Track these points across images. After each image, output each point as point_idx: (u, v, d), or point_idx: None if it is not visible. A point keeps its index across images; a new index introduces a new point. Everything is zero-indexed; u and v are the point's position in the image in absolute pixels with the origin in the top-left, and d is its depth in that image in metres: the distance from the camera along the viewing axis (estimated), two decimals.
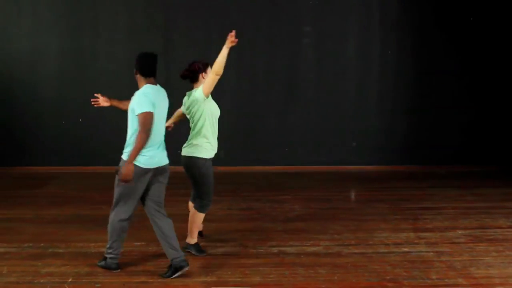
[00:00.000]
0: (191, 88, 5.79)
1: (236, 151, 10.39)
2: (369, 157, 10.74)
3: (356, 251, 5.98)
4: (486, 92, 10.77)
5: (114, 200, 5.24)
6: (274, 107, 10.60)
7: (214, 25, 10.34)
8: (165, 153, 5.32)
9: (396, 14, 10.64)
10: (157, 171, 5.21)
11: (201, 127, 5.68)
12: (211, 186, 5.74)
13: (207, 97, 5.61)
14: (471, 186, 9.21)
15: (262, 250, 5.98)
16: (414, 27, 10.63)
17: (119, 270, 5.31)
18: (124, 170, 4.94)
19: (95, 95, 5.80)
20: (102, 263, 5.38)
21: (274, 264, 5.57)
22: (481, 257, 5.81)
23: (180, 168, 5.78)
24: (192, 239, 5.86)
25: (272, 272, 5.36)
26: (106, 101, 5.80)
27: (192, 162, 5.66)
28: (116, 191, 5.20)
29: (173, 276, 5.19)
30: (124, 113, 5.34)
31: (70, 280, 5.13)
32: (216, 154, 5.92)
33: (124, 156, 5.11)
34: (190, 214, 5.87)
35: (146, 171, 5.11)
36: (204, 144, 5.67)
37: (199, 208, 5.79)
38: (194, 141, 5.69)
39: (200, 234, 6.31)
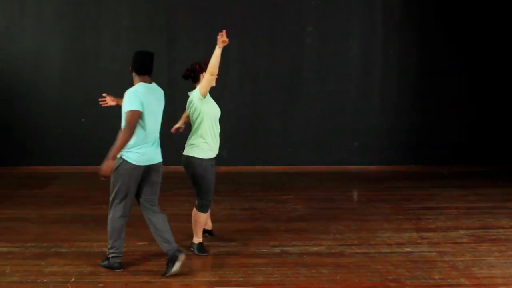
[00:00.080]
0: (193, 88, 5.80)
1: (238, 151, 10.40)
2: (371, 157, 10.74)
3: (358, 251, 5.98)
4: (489, 92, 10.76)
5: (110, 199, 5.29)
6: (276, 107, 10.60)
7: (216, 25, 10.22)
8: (158, 151, 5.36)
9: (399, 15, 10.63)
10: (150, 169, 5.27)
11: (198, 127, 5.70)
12: (209, 186, 5.73)
13: (204, 97, 5.62)
14: (474, 186, 9.21)
15: (264, 250, 5.99)
16: (417, 27, 10.62)
17: (121, 270, 5.32)
18: (104, 165, 4.97)
19: (103, 94, 5.85)
20: (105, 262, 5.39)
21: (277, 264, 5.58)
22: (484, 257, 5.81)
23: (182, 168, 5.80)
24: (197, 239, 5.87)
25: (275, 272, 5.36)
26: (113, 101, 5.86)
27: (189, 162, 5.69)
28: (111, 190, 5.26)
29: (173, 270, 5.18)
30: None
31: (73, 279, 5.14)
32: (218, 154, 5.93)
33: (118, 154, 5.17)
34: (192, 214, 5.87)
35: (137, 168, 5.16)
36: (200, 144, 5.69)
37: (199, 208, 5.80)
38: (191, 141, 5.72)
39: (210, 233, 6.34)
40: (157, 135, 5.36)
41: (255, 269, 5.41)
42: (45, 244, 6.09)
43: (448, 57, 10.64)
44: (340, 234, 6.57)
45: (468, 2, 10.59)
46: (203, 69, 5.73)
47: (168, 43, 10.32)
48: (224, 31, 5.39)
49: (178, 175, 5.85)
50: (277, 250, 6.00)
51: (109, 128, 5.24)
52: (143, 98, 5.13)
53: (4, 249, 5.92)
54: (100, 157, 5.45)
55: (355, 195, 8.96)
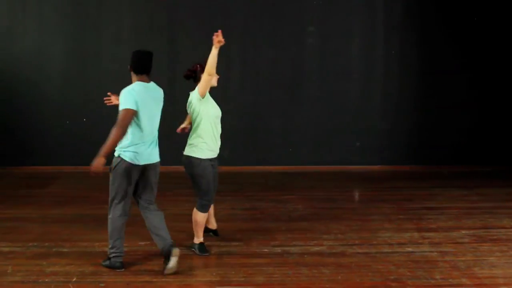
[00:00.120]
0: (194, 88, 5.81)
1: (239, 151, 10.41)
2: (372, 157, 10.74)
3: (360, 251, 5.98)
4: (490, 92, 10.76)
5: (109, 199, 5.32)
6: (277, 107, 10.61)
7: (217, 25, 10.17)
8: (156, 151, 5.38)
9: (400, 14, 10.63)
10: (147, 168, 5.30)
11: (197, 127, 5.72)
12: (208, 186, 5.74)
13: (203, 97, 5.63)
14: (475, 186, 9.21)
15: (265, 250, 5.99)
16: (418, 27, 10.62)
17: (123, 269, 5.32)
18: (95, 162, 4.98)
19: (108, 93, 5.87)
20: (106, 262, 5.40)
21: (278, 264, 5.58)
22: (485, 257, 5.81)
23: (183, 168, 5.81)
24: (197, 239, 5.87)
25: (276, 271, 5.37)
26: (117, 99, 5.85)
27: (188, 161, 5.72)
28: (110, 190, 5.29)
29: (169, 265, 5.21)
30: None
31: (74, 279, 5.14)
32: (219, 154, 5.94)
33: (116, 153, 5.22)
34: (192, 214, 5.88)
35: (134, 167, 5.20)
36: (199, 144, 5.70)
37: (199, 208, 5.81)
38: (191, 141, 5.75)
39: (215, 233, 6.36)
40: (155, 134, 5.38)
41: (256, 269, 5.42)
42: (46, 244, 6.10)
43: (449, 57, 10.64)
44: (342, 234, 6.57)
45: (470, 2, 10.59)
46: (204, 69, 5.74)
47: (168, 43, 10.33)
48: (219, 31, 5.39)
49: (179, 175, 5.85)
50: (278, 250, 6.00)
51: (110, 128, 5.27)
52: (138, 97, 5.15)
53: (6, 249, 5.93)
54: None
55: (356, 195, 8.96)
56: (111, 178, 5.25)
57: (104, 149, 5.00)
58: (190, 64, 5.90)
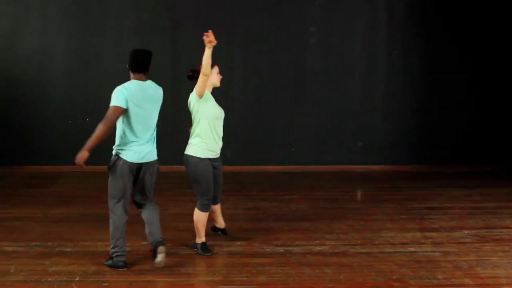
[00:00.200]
0: None
1: (242, 150, 10.42)
2: (375, 157, 10.74)
3: (362, 250, 5.98)
4: (493, 91, 10.75)
5: (108, 198, 5.37)
6: (280, 107, 10.61)
7: (221, 26, 10.36)
8: (153, 150, 5.41)
9: (402, 14, 10.63)
10: (144, 167, 5.34)
11: (197, 126, 5.74)
12: (208, 186, 5.74)
13: (200, 97, 5.64)
14: (478, 186, 9.20)
15: (268, 250, 5.99)
16: (420, 27, 10.62)
17: (126, 269, 5.33)
18: (78, 155, 5.07)
19: None
20: (109, 262, 5.41)
21: (280, 263, 5.58)
22: (488, 257, 5.81)
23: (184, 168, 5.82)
24: (199, 238, 5.88)
25: (278, 271, 5.37)
26: None
27: (187, 161, 5.75)
28: (108, 188, 5.35)
29: (156, 261, 5.25)
30: None
31: (77, 279, 5.15)
32: (222, 154, 5.95)
33: (113, 151, 5.30)
34: (194, 214, 5.89)
35: (131, 165, 5.24)
36: (198, 144, 5.72)
37: (200, 207, 5.81)
38: (190, 140, 5.79)
39: (223, 232, 6.37)
40: (151, 133, 5.40)
41: (259, 269, 5.42)
42: (49, 243, 6.11)
43: (452, 57, 10.64)
44: (344, 234, 6.57)
45: (472, 2, 10.58)
46: None
47: (171, 43, 10.34)
48: (210, 31, 5.39)
49: (181, 174, 5.86)
50: (280, 249, 6.00)
51: (114, 128, 5.32)
52: (130, 95, 5.20)
53: (9, 248, 5.94)
54: (104, 157, 5.50)
55: (358, 195, 8.96)
56: (109, 176, 5.32)
57: (88, 144, 5.09)
58: (193, 64, 5.90)
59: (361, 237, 6.43)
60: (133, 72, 5.35)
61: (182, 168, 5.87)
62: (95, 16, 10.35)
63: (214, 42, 5.39)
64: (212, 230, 6.40)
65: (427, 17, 10.62)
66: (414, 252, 5.95)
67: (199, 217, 5.84)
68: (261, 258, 5.74)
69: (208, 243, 5.92)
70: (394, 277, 5.25)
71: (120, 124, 5.30)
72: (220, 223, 6.34)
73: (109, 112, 5.15)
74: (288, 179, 9.75)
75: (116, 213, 5.33)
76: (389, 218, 7.25)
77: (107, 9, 10.35)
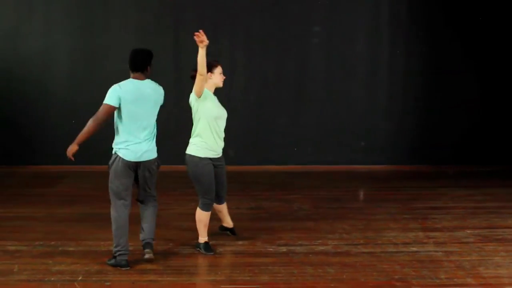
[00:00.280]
0: None
1: (245, 150, 10.42)
2: (377, 156, 10.74)
3: (365, 250, 5.99)
4: (496, 91, 10.73)
5: (110, 198, 5.43)
6: (283, 106, 10.62)
7: (223, 26, 10.39)
8: (151, 149, 5.45)
9: (405, 14, 10.63)
10: (142, 165, 5.39)
11: (197, 126, 5.76)
12: (210, 185, 5.75)
13: (199, 96, 5.66)
14: (480, 185, 9.19)
15: (271, 249, 6.00)
16: (423, 27, 10.61)
17: (128, 268, 5.34)
18: (69, 148, 5.29)
19: None
20: (112, 261, 5.43)
21: (283, 263, 5.59)
22: (490, 257, 5.80)
23: None
24: (202, 238, 5.88)
25: (281, 271, 5.37)
26: None
27: (188, 160, 5.77)
28: (109, 187, 5.42)
29: (145, 258, 5.45)
30: None
31: (80, 278, 5.16)
32: (225, 154, 5.96)
33: (113, 150, 5.39)
34: (196, 214, 5.90)
35: (128, 163, 5.31)
36: (198, 143, 5.74)
37: (201, 207, 5.82)
38: (191, 140, 5.81)
39: (232, 231, 6.36)
40: (149, 132, 5.44)
41: (262, 268, 5.42)
42: (52, 242, 6.13)
43: (455, 57, 10.62)
44: (347, 233, 6.57)
45: (475, 2, 10.57)
46: (210, 69, 5.78)
47: (174, 43, 10.35)
48: (200, 31, 5.40)
49: (184, 174, 5.87)
50: (283, 249, 6.01)
51: (103, 124, 5.43)
52: (124, 94, 5.28)
53: (12, 248, 5.96)
54: (107, 157, 5.52)
55: (361, 194, 8.96)
56: (109, 175, 5.40)
57: (77, 138, 5.27)
58: (195, 64, 5.90)
59: (364, 237, 6.43)
60: (131, 71, 5.43)
61: (185, 167, 5.88)
62: (98, 16, 10.37)
63: (206, 42, 5.41)
64: (219, 229, 6.41)
65: (429, 17, 10.61)
66: (417, 251, 5.95)
67: (201, 216, 5.85)
68: (264, 257, 5.75)
69: (210, 242, 5.93)
70: (396, 276, 5.25)
71: (117, 123, 5.39)
72: (228, 222, 6.34)
73: (100, 110, 5.29)
74: (290, 179, 9.76)
75: (118, 211, 5.39)
76: (391, 217, 7.25)
77: (110, 9, 10.37)
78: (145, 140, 5.38)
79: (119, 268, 5.34)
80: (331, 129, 10.65)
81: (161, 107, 5.68)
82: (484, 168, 10.41)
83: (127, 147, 5.32)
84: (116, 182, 5.37)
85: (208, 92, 5.78)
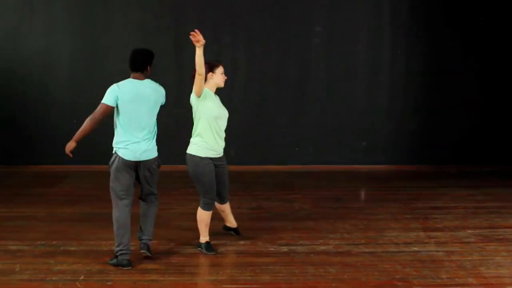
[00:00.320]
0: None
1: (246, 150, 10.42)
2: (378, 156, 10.73)
3: (366, 250, 5.99)
4: (497, 91, 10.72)
5: (111, 197, 5.47)
6: (284, 106, 10.62)
7: (224, 26, 10.39)
8: (150, 148, 5.48)
9: (406, 14, 10.62)
10: (142, 164, 5.43)
11: (197, 125, 5.77)
12: (211, 184, 5.76)
13: (198, 96, 5.66)
14: (481, 185, 9.19)
15: (272, 249, 6.01)
16: (424, 27, 10.61)
17: (130, 268, 5.35)
18: (67, 144, 5.43)
19: None
20: (113, 261, 5.44)
21: (284, 263, 5.59)
22: (491, 257, 5.81)
23: None
24: (203, 238, 5.89)
25: (282, 270, 5.38)
26: None
27: (188, 160, 5.78)
28: (110, 187, 5.46)
29: (141, 250, 5.58)
30: None
31: (81, 277, 5.17)
32: (226, 154, 5.97)
33: (113, 150, 5.45)
34: (197, 213, 5.90)
35: (127, 162, 5.35)
36: (199, 143, 5.74)
37: (203, 206, 5.83)
38: (192, 139, 5.82)
39: (236, 231, 6.37)
40: (148, 131, 5.47)
41: (263, 268, 5.43)
42: (54, 242, 6.14)
43: (456, 57, 10.61)
44: (348, 233, 6.58)
45: (476, 1, 10.56)
46: (211, 69, 5.79)
47: (175, 43, 10.34)
48: (196, 30, 5.41)
49: (186, 174, 5.88)
50: (284, 249, 6.01)
51: (100, 123, 5.49)
52: (121, 94, 5.34)
53: (14, 247, 5.97)
54: (108, 156, 5.54)
55: (362, 194, 8.97)
56: (110, 174, 5.44)
57: (75, 135, 5.40)
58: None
59: (365, 237, 6.44)
60: (132, 71, 5.48)
61: (186, 167, 5.89)
62: (99, 16, 10.36)
63: (202, 41, 5.41)
64: (223, 229, 6.42)
65: (431, 17, 10.60)
66: (418, 251, 5.96)
67: (202, 216, 5.85)
68: (265, 257, 5.76)
69: (212, 242, 5.94)
70: (397, 276, 5.25)
71: (116, 122, 5.44)
72: (231, 222, 6.34)
73: (97, 109, 5.40)
74: (291, 179, 9.76)
75: (119, 210, 5.42)
76: (392, 217, 7.26)
77: (111, 9, 10.36)
78: (145, 139, 5.41)
79: (120, 267, 5.35)
80: (332, 129, 10.65)
81: (162, 107, 5.70)
82: (484, 168, 10.41)
83: (126, 147, 5.36)
84: (116, 182, 5.41)
85: (209, 92, 5.78)
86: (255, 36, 10.53)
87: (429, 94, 10.69)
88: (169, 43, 10.27)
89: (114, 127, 5.48)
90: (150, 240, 5.69)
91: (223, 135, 5.89)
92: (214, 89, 5.88)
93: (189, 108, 5.88)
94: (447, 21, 10.58)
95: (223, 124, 5.88)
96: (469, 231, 6.66)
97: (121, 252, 5.37)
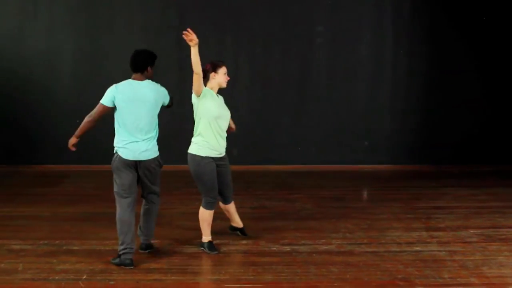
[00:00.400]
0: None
1: (248, 150, 10.43)
2: (381, 156, 10.74)
3: (368, 250, 5.99)
4: (499, 91, 10.73)
5: (115, 196, 5.52)
6: (286, 106, 10.63)
7: (227, 26, 10.40)
8: (150, 148, 5.51)
9: (408, 14, 10.62)
10: (142, 164, 5.48)
11: (198, 125, 5.79)
12: (212, 183, 5.77)
13: (198, 95, 5.67)
14: (484, 185, 9.19)
15: (274, 248, 6.01)
16: (427, 26, 10.61)
17: (132, 267, 5.36)
18: (69, 140, 5.67)
19: None
20: (116, 260, 5.45)
21: (287, 262, 5.60)
22: (494, 257, 5.81)
23: None
24: (205, 237, 5.90)
25: (285, 270, 5.39)
26: None
27: (189, 159, 5.79)
28: (114, 186, 5.51)
29: (139, 250, 5.70)
30: None
31: (84, 277, 5.18)
32: (229, 153, 5.97)
33: (114, 150, 5.54)
34: (199, 212, 5.91)
35: (126, 162, 5.41)
36: (200, 142, 5.75)
37: (204, 205, 5.84)
38: (193, 139, 5.83)
39: (242, 232, 6.37)
40: (147, 131, 5.50)
41: (265, 267, 5.44)
42: (57, 241, 6.15)
43: (458, 57, 10.61)
44: (350, 233, 6.58)
45: (478, 1, 10.56)
46: (214, 69, 5.79)
47: (178, 43, 10.32)
48: (188, 29, 5.41)
49: (188, 173, 5.88)
50: (287, 248, 6.02)
51: (99, 122, 5.54)
52: (119, 94, 5.41)
53: (17, 247, 5.98)
54: (110, 156, 5.55)
55: (364, 194, 8.97)
56: (113, 174, 5.51)
57: (76, 132, 5.62)
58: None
59: (367, 236, 6.44)
60: (132, 71, 5.55)
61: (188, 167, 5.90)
62: (101, 16, 10.38)
63: (196, 40, 5.40)
64: (229, 230, 6.43)
65: (433, 17, 10.60)
66: (420, 251, 5.96)
67: (204, 215, 5.86)
68: (268, 257, 5.76)
69: (214, 242, 5.95)
70: (399, 276, 5.26)
71: (116, 122, 5.50)
72: (237, 222, 6.34)
73: (95, 108, 5.52)
74: (294, 178, 9.77)
75: (121, 208, 5.45)
76: (395, 217, 7.26)
77: (114, 9, 10.38)
78: (144, 140, 5.45)
79: (123, 267, 5.36)
80: (334, 129, 10.66)
81: (167, 107, 5.72)
82: (487, 168, 10.41)
83: (125, 146, 5.43)
84: (118, 180, 5.47)
85: (209, 91, 5.77)
86: (257, 36, 10.54)
87: (431, 94, 10.70)
88: (171, 43, 10.28)
89: (115, 127, 5.53)
90: (149, 239, 5.78)
91: (225, 135, 5.90)
92: (217, 89, 5.88)
93: (191, 108, 5.88)
94: (449, 21, 10.58)
95: (224, 124, 5.87)
96: (471, 231, 6.66)
97: (124, 251, 5.38)
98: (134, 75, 5.52)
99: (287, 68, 10.60)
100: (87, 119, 5.54)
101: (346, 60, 10.64)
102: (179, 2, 10.43)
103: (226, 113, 5.90)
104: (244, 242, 6.21)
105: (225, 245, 6.08)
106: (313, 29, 10.58)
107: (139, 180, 5.58)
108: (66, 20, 10.36)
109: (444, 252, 5.93)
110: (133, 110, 5.41)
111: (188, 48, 5.42)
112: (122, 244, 5.39)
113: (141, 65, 5.50)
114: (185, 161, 5.83)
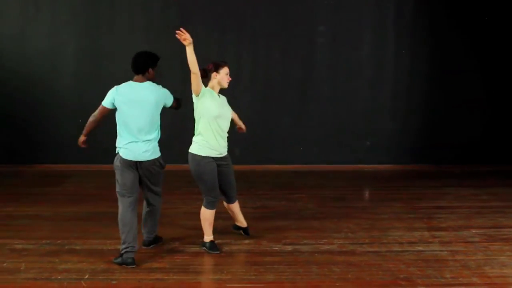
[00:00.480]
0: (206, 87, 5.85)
1: (250, 149, 10.42)
2: (382, 156, 10.73)
3: (370, 249, 6.00)
4: (500, 90, 10.71)
5: (117, 196, 5.55)
6: (288, 106, 10.62)
7: (229, 26, 10.39)
8: (150, 149, 5.54)
9: (410, 14, 10.61)
10: (142, 165, 5.51)
11: (198, 125, 5.80)
12: (213, 183, 5.78)
13: (197, 95, 5.68)
14: (485, 185, 9.18)
15: (276, 248, 6.02)
16: (428, 26, 10.59)
17: (134, 266, 5.37)
18: (79, 138, 5.77)
19: None
20: (118, 259, 5.46)
21: (288, 262, 5.61)
22: (496, 257, 5.81)
23: None
24: (207, 237, 5.90)
25: (286, 270, 5.39)
26: None
27: (190, 158, 5.80)
28: (116, 185, 5.55)
29: (142, 246, 5.80)
30: None
31: (86, 276, 5.19)
32: (231, 153, 5.98)
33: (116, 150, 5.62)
34: (200, 212, 5.91)
35: (126, 162, 5.46)
36: (200, 142, 5.76)
37: (206, 205, 5.85)
38: (193, 138, 5.85)
39: (245, 231, 6.37)
40: (147, 132, 5.52)
41: (267, 267, 5.45)
42: (59, 241, 6.16)
43: (460, 57, 10.60)
44: (352, 232, 6.59)
45: (480, 1, 10.55)
46: (216, 69, 5.80)
47: (181, 43, 10.32)
48: (181, 29, 5.43)
49: (190, 173, 5.89)
50: (289, 248, 6.03)
51: (102, 122, 5.57)
52: (119, 96, 5.49)
53: (19, 246, 5.99)
54: (112, 156, 5.57)
55: (366, 194, 8.97)
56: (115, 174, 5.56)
57: (83, 131, 5.74)
58: (202, 64, 5.93)
59: (369, 236, 6.44)
60: (133, 73, 5.60)
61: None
62: (104, 16, 10.37)
63: (190, 39, 5.44)
64: (233, 228, 6.44)
65: (435, 17, 10.59)
66: (422, 251, 5.96)
67: (206, 215, 5.86)
68: (269, 256, 5.77)
69: (216, 241, 5.95)
70: (401, 276, 5.26)
71: (117, 123, 5.56)
72: (241, 221, 6.34)
73: (97, 109, 5.66)
74: (295, 178, 9.76)
75: (123, 207, 5.48)
76: (396, 217, 7.26)
77: (116, 9, 10.37)
78: (144, 140, 5.49)
79: (125, 266, 5.37)
80: (336, 129, 10.65)
81: (170, 108, 5.75)
82: (489, 168, 10.40)
83: (125, 146, 5.48)
84: (119, 181, 5.51)
85: (209, 91, 5.77)
86: (257, 36, 10.53)
87: (432, 94, 10.69)
88: (173, 44, 10.23)
89: (117, 127, 5.58)
90: (152, 236, 5.86)
91: (225, 135, 5.89)
92: (218, 89, 5.88)
93: (193, 107, 5.89)
94: (451, 21, 10.57)
95: (224, 124, 5.85)
96: (473, 231, 6.67)
97: (126, 250, 5.39)
98: (135, 77, 5.57)
99: (288, 68, 10.60)
100: (90, 119, 5.66)
101: (347, 60, 10.64)
102: (180, 2, 10.42)
103: (227, 113, 5.89)
104: (246, 241, 6.21)
105: (227, 244, 6.09)
106: (314, 29, 10.57)
107: (141, 181, 5.59)
108: (67, 20, 10.35)
109: (446, 252, 5.93)
110: (133, 111, 5.46)
111: None
112: (124, 243, 5.41)
113: (142, 67, 5.54)
114: (186, 161, 5.84)
